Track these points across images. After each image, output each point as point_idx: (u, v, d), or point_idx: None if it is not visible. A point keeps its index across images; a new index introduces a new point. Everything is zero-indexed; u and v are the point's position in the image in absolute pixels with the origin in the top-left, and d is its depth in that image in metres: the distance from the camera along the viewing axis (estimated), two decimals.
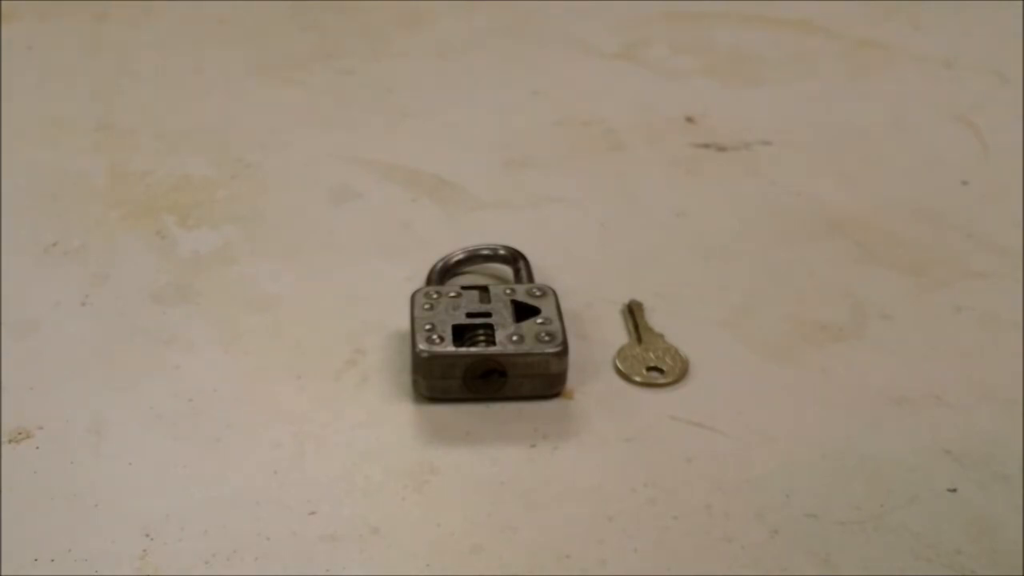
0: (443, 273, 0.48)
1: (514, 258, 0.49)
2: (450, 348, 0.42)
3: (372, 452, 0.40)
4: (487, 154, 0.60)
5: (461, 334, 0.42)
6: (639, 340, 0.46)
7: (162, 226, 0.53)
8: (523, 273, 0.48)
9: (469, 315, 0.43)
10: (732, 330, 0.47)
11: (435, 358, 0.41)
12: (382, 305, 0.47)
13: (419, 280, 0.48)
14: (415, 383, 0.42)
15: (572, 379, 0.43)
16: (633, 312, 0.47)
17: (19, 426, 0.41)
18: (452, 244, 0.50)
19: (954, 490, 0.39)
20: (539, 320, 0.43)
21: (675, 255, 0.52)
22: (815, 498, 0.39)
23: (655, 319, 0.47)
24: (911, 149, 0.61)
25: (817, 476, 0.39)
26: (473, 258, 0.50)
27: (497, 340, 0.42)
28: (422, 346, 0.42)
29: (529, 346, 0.42)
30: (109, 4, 0.77)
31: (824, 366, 0.45)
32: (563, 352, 0.42)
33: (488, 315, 0.43)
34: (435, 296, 0.44)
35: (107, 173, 0.58)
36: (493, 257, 0.50)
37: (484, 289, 0.45)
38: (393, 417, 0.42)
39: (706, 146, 0.61)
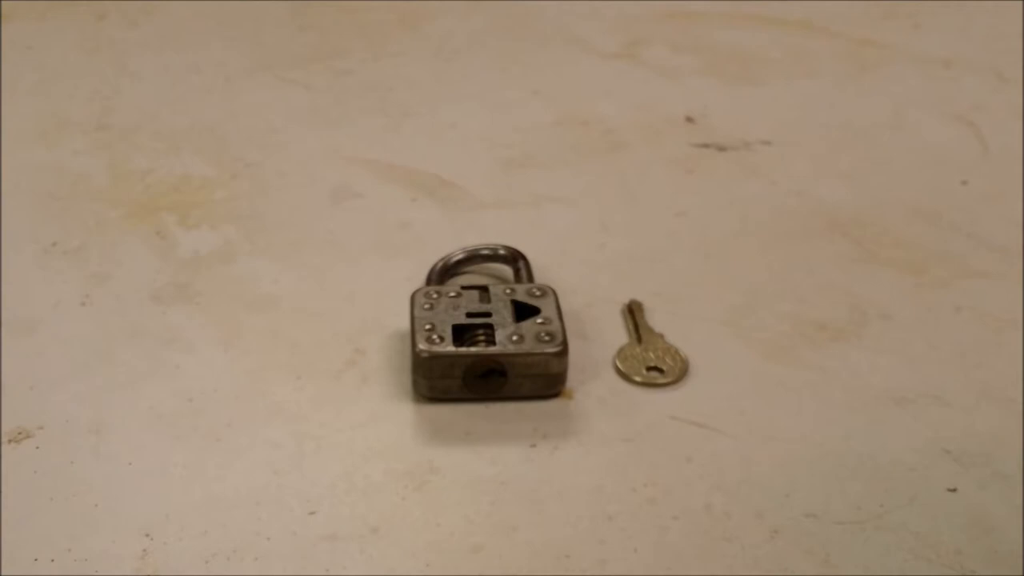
0: (443, 273, 0.48)
1: (514, 258, 0.49)
2: (450, 348, 0.42)
3: (372, 452, 0.40)
4: (487, 154, 0.60)
5: (461, 334, 0.42)
6: (639, 340, 0.46)
7: (162, 226, 0.53)
8: (523, 273, 0.48)
9: (469, 315, 0.43)
10: (732, 330, 0.47)
11: (435, 358, 0.41)
12: (382, 305, 0.47)
13: (419, 280, 0.48)
14: (415, 383, 0.42)
15: (572, 379, 0.43)
16: (633, 312, 0.47)
17: (19, 426, 0.41)
18: (452, 244, 0.50)
19: (954, 490, 0.39)
20: (539, 320, 0.43)
21: (675, 255, 0.52)
22: (815, 498, 0.39)
23: (655, 319, 0.47)
24: (911, 149, 0.61)
25: (817, 476, 0.39)
26: (473, 258, 0.50)
27: (497, 340, 0.42)
28: (422, 346, 0.42)
29: (529, 346, 0.42)
30: (109, 4, 0.77)
31: (824, 366, 0.45)
32: (563, 352, 0.42)
33: (488, 315, 0.43)
34: (435, 296, 0.44)
35: (107, 173, 0.58)
36: (493, 257, 0.50)
37: (484, 289, 0.45)
38: (393, 417, 0.42)
39: (706, 146, 0.61)
